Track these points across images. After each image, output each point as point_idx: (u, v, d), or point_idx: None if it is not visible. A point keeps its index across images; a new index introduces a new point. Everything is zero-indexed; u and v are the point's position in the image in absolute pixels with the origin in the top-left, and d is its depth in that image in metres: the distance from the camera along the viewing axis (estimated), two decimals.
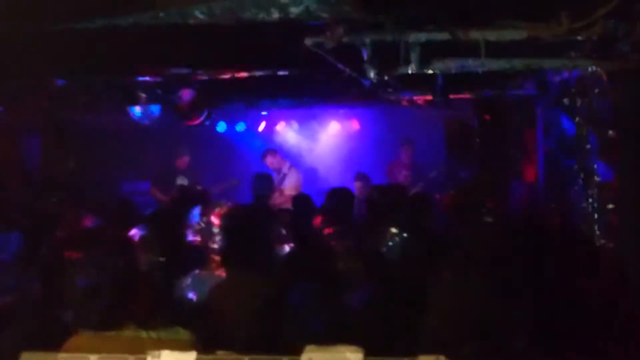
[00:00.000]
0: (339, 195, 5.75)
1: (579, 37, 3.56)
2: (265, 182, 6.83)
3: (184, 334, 2.23)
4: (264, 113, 10.67)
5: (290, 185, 8.34)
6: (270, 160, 8.79)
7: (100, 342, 2.10)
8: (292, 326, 3.04)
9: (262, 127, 11.02)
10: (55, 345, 2.02)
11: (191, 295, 3.43)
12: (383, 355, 1.44)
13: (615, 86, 4.40)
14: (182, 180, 9.12)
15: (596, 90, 4.70)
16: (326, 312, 3.10)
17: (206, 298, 3.39)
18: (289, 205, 6.86)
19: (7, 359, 1.58)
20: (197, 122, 7.08)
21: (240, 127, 10.90)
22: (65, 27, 3.30)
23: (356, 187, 8.36)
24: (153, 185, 8.66)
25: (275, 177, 8.46)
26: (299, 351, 1.44)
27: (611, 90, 4.46)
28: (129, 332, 2.17)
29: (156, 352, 1.45)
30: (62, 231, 4.47)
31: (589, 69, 4.47)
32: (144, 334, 2.18)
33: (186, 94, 6.14)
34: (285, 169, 8.67)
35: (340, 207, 5.51)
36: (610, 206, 4.60)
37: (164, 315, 2.28)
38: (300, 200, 6.23)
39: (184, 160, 9.33)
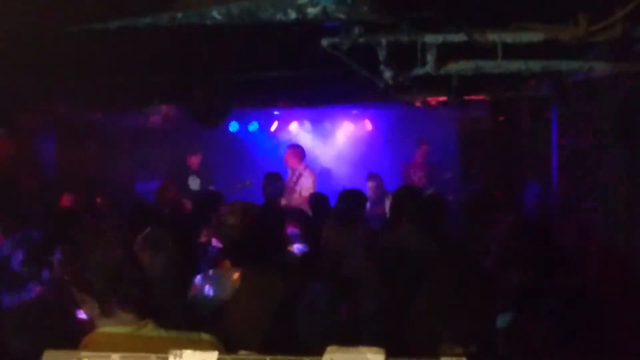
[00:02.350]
0: (351, 197, 5.74)
1: (597, 39, 3.53)
2: (277, 182, 6.81)
3: (205, 336, 2.23)
4: (276, 113, 10.68)
5: (304, 185, 8.34)
6: (290, 157, 8.78)
7: (118, 339, 2.11)
8: (307, 326, 3.05)
9: (274, 127, 11.03)
10: (72, 342, 2.04)
11: (205, 295, 3.44)
12: (403, 356, 1.44)
13: (633, 88, 4.37)
14: (194, 180, 9.15)
15: (613, 92, 4.67)
16: (340, 312, 3.10)
17: (220, 297, 3.40)
18: (302, 205, 6.87)
19: (29, 358, 1.59)
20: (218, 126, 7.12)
21: (253, 126, 10.92)
22: (83, 28, 3.32)
23: (369, 187, 8.36)
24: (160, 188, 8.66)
25: (290, 176, 8.46)
26: (320, 352, 1.44)
27: (628, 92, 4.43)
28: (147, 331, 2.17)
29: (178, 352, 1.46)
30: (78, 230, 4.49)
31: (606, 71, 4.44)
32: (163, 333, 2.19)
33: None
34: (300, 169, 8.67)
35: (352, 208, 5.51)
36: (626, 209, 4.57)
37: (183, 314, 2.28)
38: (317, 199, 6.22)
39: (196, 160, 9.36)
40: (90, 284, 2.15)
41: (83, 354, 1.45)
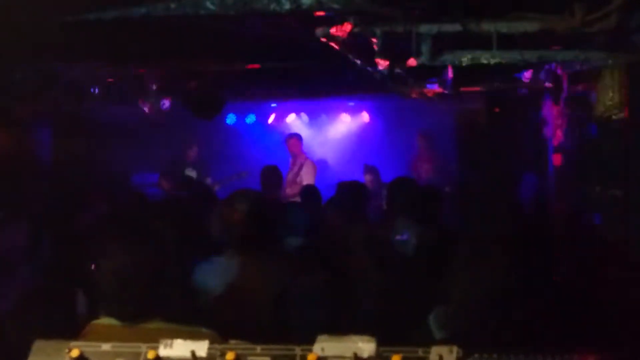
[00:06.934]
0: (350, 188, 5.73)
1: (593, 29, 3.53)
2: (274, 175, 6.81)
3: (206, 331, 2.21)
4: (273, 105, 10.67)
5: (305, 177, 8.36)
6: (294, 144, 8.82)
7: (116, 330, 2.10)
8: (302, 316, 3.06)
9: (271, 119, 11.01)
10: (69, 334, 2.03)
11: (201, 285, 3.43)
12: (395, 345, 1.44)
13: (629, 78, 4.37)
14: (190, 172, 9.13)
15: (608, 83, 4.67)
16: (336, 303, 3.10)
17: (220, 287, 3.40)
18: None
19: (20, 348, 1.58)
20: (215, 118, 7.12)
21: (250, 119, 10.90)
22: (78, 19, 3.31)
23: (365, 179, 8.37)
24: (162, 176, 8.67)
25: (291, 166, 8.49)
26: (311, 341, 1.44)
27: (624, 82, 4.43)
28: (147, 323, 2.16)
29: (169, 341, 1.45)
30: (76, 222, 4.49)
31: (602, 62, 4.43)
32: (163, 325, 2.18)
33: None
34: (301, 160, 8.70)
35: (351, 199, 5.50)
36: (620, 198, 4.58)
37: (183, 306, 2.26)
38: (308, 191, 6.23)
39: (192, 152, 9.35)
40: (95, 286, 2.14)
41: (73, 343, 1.45)
